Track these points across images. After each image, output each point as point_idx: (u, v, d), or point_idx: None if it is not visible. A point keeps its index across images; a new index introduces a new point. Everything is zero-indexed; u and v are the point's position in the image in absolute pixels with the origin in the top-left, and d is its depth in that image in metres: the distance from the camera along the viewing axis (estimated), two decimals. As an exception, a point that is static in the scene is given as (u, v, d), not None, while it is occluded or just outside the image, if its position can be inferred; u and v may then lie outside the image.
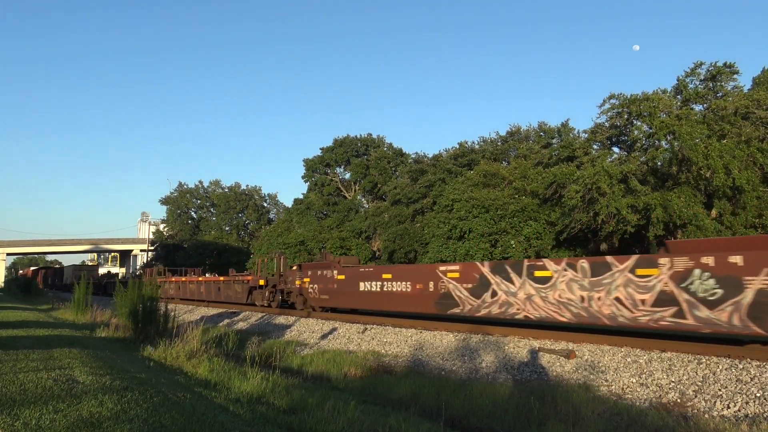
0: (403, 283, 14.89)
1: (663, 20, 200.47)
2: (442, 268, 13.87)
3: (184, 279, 32.22)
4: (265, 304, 22.25)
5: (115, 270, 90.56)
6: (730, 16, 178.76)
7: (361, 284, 16.45)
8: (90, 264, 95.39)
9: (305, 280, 19.33)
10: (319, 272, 18.63)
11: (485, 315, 12.56)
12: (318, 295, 18.62)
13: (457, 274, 13.20)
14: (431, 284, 13.85)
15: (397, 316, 16.59)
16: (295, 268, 20.63)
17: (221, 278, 27.06)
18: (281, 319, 19.17)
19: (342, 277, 17.52)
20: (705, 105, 24.01)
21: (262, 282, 22.62)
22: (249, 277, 23.86)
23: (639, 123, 23.50)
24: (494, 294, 12.27)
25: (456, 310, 13.23)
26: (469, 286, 12.85)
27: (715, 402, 7.59)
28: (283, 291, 21.32)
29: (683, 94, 24.35)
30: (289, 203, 61.93)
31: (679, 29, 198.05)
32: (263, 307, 22.10)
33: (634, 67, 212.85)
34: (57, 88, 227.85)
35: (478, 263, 13.02)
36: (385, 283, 15.50)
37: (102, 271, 78.33)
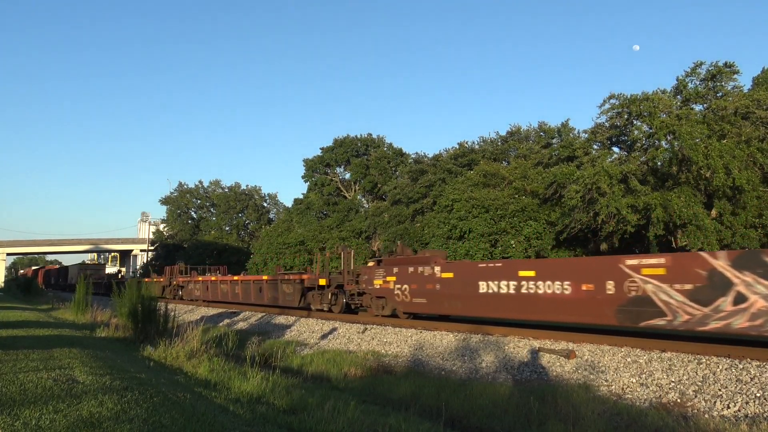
0: (557, 283, 11.44)
1: (663, 20, 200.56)
2: (632, 261, 10.31)
3: (214, 278, 28.40)
4: (324, 308, 19.30)
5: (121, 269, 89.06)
6: (730, 16, 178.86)
7: (482, 284, 13.03)
8: (92, 263, 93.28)
9: (389, 279, 16.03)
10: (411, 269, 15.29)
11: (717, 329, 9.17)
12: (409, 299, 15.35)
13: (661, 270, 9.84)
14: (611, 284, 10.46)
15: (546, 327, 13.05)
16: (372, 264, 17.74)
17: (264, 277, 23.88)
18: (281, 319, 19.16)
19: (449, 275, 14.11)
20: (705, 105, 24.01)
21: (322, 282, 19.39)
22: (305, 276, 20.46)
23: (639, 123, 23.51)
24: (740, 299, 8.83)
25: (658, 322, 9.85)
26: (687, 287, 9.48)
27: (715, 402, 7.59)
28: (348, 292, 18.28)
29: (683, 94, 24.36)
30: (289, 203, 62.00)
31: (679, 29, 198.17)
32: (321, 312, 19.26)
33: (634, 67, 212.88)
34: (57, 88, 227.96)
35: (704, 254, 9.62)
36: (524, 282, 12.08)
37: (110, 270, 75.23)
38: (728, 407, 7.40)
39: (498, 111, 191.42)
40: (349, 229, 41.73)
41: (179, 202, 65.47)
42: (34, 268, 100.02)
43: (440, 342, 12.66)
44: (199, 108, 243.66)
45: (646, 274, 10.08)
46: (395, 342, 13.47)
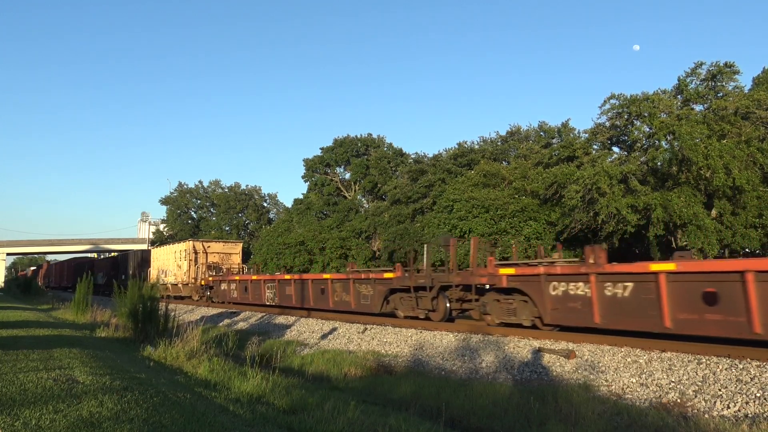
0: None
1: (663, 20, 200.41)
2: None
3: (255, 277, 23.50)
4: (421, 316, 14.36)
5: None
6: (730, 16, 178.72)
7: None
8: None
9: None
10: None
11: None
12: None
13: None
14: None
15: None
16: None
17: (328, 276, 19.07)
18: (281, 319, 19.16)
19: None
20: (705, 105, 24.03)
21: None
22: (391, 275, 15.38)
23: (639, 123, 23.54)
24: None
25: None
26: None
27: (715, 402, 7.58)
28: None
29: (684, 94, 24.38)
30: (289, 203, 61.98)
31: (679, 29, 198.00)
32: (418, 320, 14.54)
33: (634, 67, 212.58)
34: (56, 88, 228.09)
35: None
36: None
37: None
38: (728, 407, 7.40)
39: (498, 111, 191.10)
40: (349, 229, 41.70)
41: (179, 202, 65.45)
42: (51, 261, 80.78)
43: (440, 342, 12.65)
44: (199, 108, 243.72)
45: None
46: (395, 342, 13.47)
